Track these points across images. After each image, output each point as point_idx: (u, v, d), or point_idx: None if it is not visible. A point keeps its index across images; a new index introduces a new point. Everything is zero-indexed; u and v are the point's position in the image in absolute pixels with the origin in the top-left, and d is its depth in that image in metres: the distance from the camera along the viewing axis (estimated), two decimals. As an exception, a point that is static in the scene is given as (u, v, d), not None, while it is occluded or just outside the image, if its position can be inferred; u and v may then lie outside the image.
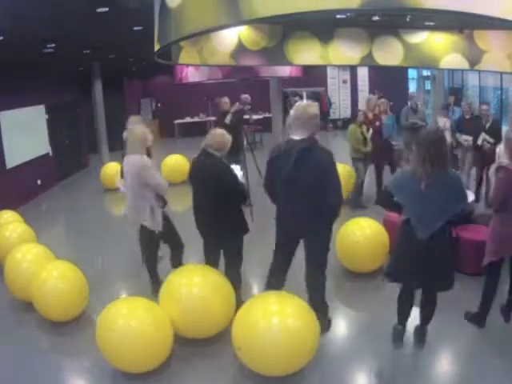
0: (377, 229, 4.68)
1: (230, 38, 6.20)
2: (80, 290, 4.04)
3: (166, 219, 4.27)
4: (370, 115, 7.47)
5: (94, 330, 3.30)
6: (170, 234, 4.28)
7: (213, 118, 14.96)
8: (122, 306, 3.39)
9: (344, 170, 7.17)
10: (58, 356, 3.62)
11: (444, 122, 7.46)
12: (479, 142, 6.47)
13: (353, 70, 15.64)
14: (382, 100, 8.10)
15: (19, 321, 4.16)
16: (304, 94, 15.48)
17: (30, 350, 3.69)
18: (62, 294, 3.86)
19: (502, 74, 9.22)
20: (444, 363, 3.31)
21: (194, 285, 3.59)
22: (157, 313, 3.35)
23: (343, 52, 6.65)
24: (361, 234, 4.59)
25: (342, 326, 3.88)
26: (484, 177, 6.57)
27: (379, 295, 4.29)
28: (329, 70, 15.77)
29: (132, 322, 3.20)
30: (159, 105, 15.65)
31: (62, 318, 3.94)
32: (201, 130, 13.58)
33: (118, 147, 8.37)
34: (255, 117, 13.40)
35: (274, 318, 3.04)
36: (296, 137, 3.31)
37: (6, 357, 3.59)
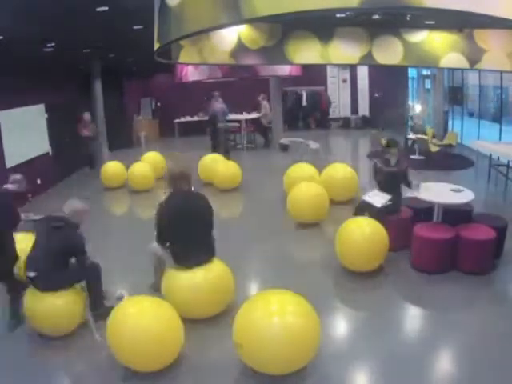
0: (376, 228, 4.68)
1: (230, 37, 6.20)
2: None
3: None
4: (265, 122, 7.58)
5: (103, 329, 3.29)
6: None
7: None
8: (131, 305, 3.39)
9: (345, 170, 7.17)
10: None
11: None
12: None
13: (353, 69, 15.63)
14: None
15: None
16: (304, 93, 15.49)
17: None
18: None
19: (501, 72, 9.22)
20: (444, 362, 3.31)
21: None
22: (166, 310, 3.36)
23: (343, 51, 6.65)
24: (360, 234, 4.59)
25: (342, 325, 3.89)
26: None
27: (379, 294, 4.30)
28: (328, 69, 15.77)
29: (142, 321, 3.20)
30: (159, 104, 15.63)
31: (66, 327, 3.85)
32: (200, 129, 13.61)
33: (117, 146, 8.47)
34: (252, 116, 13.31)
35: (275, 317, 3.04)
36: None
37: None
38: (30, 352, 3.66)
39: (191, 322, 3.67)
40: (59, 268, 3.74)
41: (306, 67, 12.01)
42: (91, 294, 3.94)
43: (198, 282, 3.81)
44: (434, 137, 11.01)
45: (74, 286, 3.87)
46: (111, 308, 3.68)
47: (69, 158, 10.40)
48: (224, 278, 3.98)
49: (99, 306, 3.95)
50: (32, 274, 3.69)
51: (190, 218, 3.77)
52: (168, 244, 3.91)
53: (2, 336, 3.83)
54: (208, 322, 3.82)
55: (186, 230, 3.76)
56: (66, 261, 3.82)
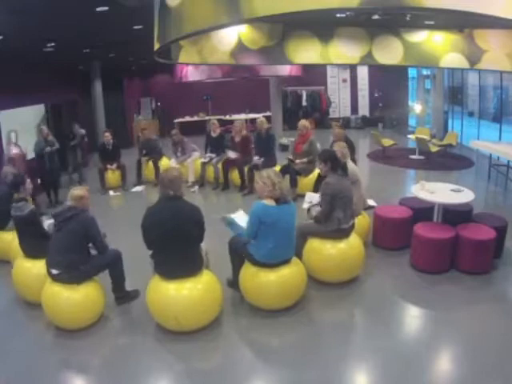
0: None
1: (230, 36, 6.21)
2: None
3: None
4: (238, 138, 7.71)
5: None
6: None
7: (212, 117, 14.96)
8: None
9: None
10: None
11: None
12: None
13: (353, 69, 15.65)
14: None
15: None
16: (304, 93, 15.49)
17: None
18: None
19: (501, 72, 9.23)
20: (444, 362, 3.31)
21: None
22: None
23: (343, 51, 6.66)
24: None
25: (340, 325, 3.89)
26: None
27: (378, 294, 4.29)
28: (328, 69, 15.78)
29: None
30: (159, 104, 15.63)
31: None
32: (200, 128, 13.60)
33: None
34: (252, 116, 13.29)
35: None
36: None
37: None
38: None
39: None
40: (81, 258, 3.82)
41: (306, 67, 12.03)
42: (112, 278, 4.13)
43: (184, 294, 3.61)
44: (433, 137, 11.02)
45: (93, 277, 3.94)
46: (134, 292, 4.19)
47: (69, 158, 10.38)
48: (210, 289, 3.74)
49: (121, 290, 4.16)
50: (56, 271, 3.76)
51: (167, 229, 3.52)
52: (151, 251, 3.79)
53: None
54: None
55: (162, 241, 3.58)
56: (85, 248, 3.91)
